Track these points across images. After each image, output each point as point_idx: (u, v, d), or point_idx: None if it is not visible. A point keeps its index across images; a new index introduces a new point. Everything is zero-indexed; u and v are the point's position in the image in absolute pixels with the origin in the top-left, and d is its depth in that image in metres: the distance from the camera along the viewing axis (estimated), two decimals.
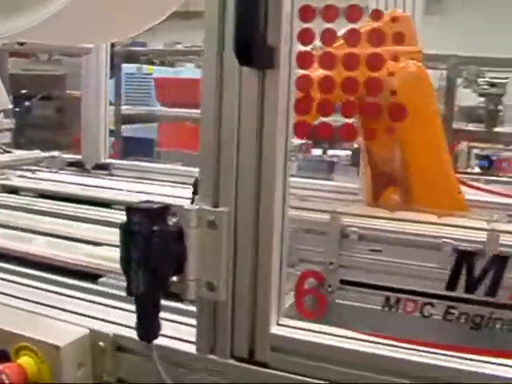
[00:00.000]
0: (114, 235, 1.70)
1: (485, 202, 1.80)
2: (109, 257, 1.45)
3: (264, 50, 0.81)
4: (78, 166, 2.49)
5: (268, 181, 0.87)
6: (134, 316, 0.99)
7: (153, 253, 0.89)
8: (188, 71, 6.53)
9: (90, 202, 2.06)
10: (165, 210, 0.92)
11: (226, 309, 0.92)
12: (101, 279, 1.32)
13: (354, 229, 1.46)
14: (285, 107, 0.86)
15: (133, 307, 1.00)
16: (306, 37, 1.14)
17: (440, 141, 1.63)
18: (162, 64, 5.55)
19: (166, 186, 2.32)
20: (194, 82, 5.90)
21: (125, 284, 1.24)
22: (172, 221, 0.93)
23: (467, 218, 1.48)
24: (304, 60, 1.15)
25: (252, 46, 0.81)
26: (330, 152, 6.47)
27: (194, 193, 1.75)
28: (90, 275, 1.39)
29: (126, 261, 0.91)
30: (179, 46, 6.35)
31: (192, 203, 1.77)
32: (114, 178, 2.42)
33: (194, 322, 0.98)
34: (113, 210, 1.98)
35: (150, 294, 0.92)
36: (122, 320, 1.05)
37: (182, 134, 5.71)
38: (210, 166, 0.91)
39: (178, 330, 1.01)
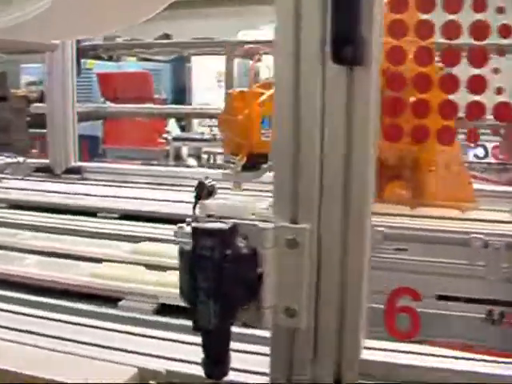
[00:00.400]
0: (111, 248, 1.57)
1: (488, 192, 1.76)
2: (116, 275, 1.31)
3: (359, 44, 0.70)
4: (46, 172, 2.28)
5: (358, 192, 0.76)
6: (185, 346, 0.86)
7: (226, 280, 0.76)
8: (131, 65, 6.29)
9: (71, 212, 1.88)
10: (234, 229, 0.79)
11: (306, 336, 0.81)
12: (120, 303, 1.18)
13: (380, 228, 1.38)
14: (375, 108, 0.75)
15: (180, 335, 0.87)
16: (397, 29, 1.03)
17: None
18: (110, 59, 5.28)
19: (146, 189, 2.17)
20: (139, 76, 5.70)
21: (150, 306, 1.11)
22: (241, 241, 0.80)
23: (490, 211, 1.43)
24: (396, 55, 1.04)
25: (347, 41, 0.69)
26: None
27: (198, 197, 1.62)
28: (102, 298, 1.24)
29: (191, 291, 0.78)
30: (119, 40, 6.08)
31: (194, 208, 1.65)
32: (89, 182, 2.24)
33: (259, 348, 0.87)
34: (101, 220, 1.82)
35: (222, 326, 0.79)
36: (172, 353, 0.92)
37: (129, 129, 5.49)
38: (288, 176, 0.78)
39: (246, 361, 0.88)
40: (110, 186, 2.17)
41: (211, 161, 7.19)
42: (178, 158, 6.49)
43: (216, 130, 6.92)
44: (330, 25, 0.72)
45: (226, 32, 5.08)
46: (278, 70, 0.77)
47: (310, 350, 0.81)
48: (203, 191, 1.56)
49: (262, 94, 1.42)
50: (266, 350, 0.91)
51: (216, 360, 0.81)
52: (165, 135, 5.96)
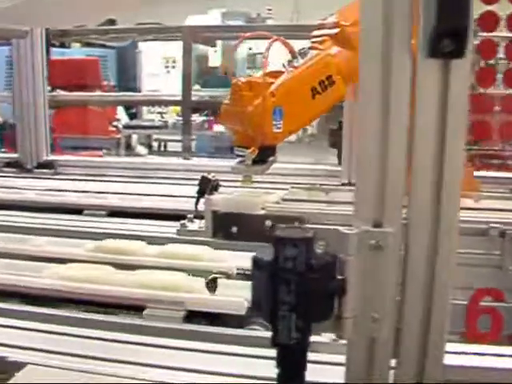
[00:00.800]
0: (74, 247, 1.42)
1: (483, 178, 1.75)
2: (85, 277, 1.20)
3: (462, 36, 0.64)
4: (16, 167, 2.11)
5: (448, 192, 0.71)
6: (242, 359, 0.79)
7: (310, 292, 0.70)
8: (74, 51, 5.99)
9: (53, 210, 1.75)
10: (314, 236, 0.72)
11: (386, 343, 0.75)
12: (145, 312, 1.08)
13: None
14: (467, 104, 0.70)
15: (230, 348, 0.80)
16: (488, 22, 0.96)
17: None
18: (62, 45, 5.01)
19: (128, 183, 2.05)
20: (88, 63, 5.43)
21: (176, 314, 1.04)
22: (319, 247, 0.73)
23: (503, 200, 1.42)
24: (487, 49, 0.98)
25: (449, 33, 0.63)
26: None
27: (201, 192, 1.53)
28: (120, 307, 1.14)
29: (271, 305, 0.71)
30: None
31: (197, 204, 1.56)
32: (63, 177, 2.09)
33: (331, 358, 0.81)
34: (88, 218, 1.70)
35: (303, 341, 0.72)
36: (232, 368, 0.85)
37: (79, 118, 5.24)
38: (373, 178, 0.72)
39: (316, 372, 0.82)
40: (89, 180, 2.03)
41: (162, 148, 7.03)
42: (129, 146, 6.29)
43: (167, 117, 6.76)
44: (425, 16, 0.66)
45: (175, 18, 4.92)
46: (364, 65, 0.70)
47: (389, 358, 0.76)
48: (207, 186, 1.47)
49: (272, 83, 1.34)
50: (335, 358, 0.86)
51: (294, 375, 0.74)
52: (115, 123, 5.76)
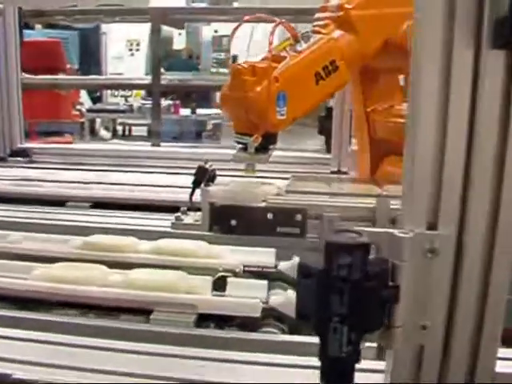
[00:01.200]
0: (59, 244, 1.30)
1: None
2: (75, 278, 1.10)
3: None
4: None
5: (510, 191, 0.64)
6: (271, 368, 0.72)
7: (364, 303, 0.63)
8: (35, 33, 5.72)
9: (31, 202, 1.62)
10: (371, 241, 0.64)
11: (435, 352, 0.69)
12: (153, 316, 0.99)
13: None
14: None
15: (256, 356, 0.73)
16: None
17: None
18: (25, 26, 4.74)
19: (110, 172, 1.93)
20: (50, 45, 5.19)
21: (186, 318, 0.97)
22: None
23: None
24: None
25: None
26: (200, 111, 6.18)
27: (197, 183, 1.43)
28: (119, 310, 1.05)
29: (322, 317, 0.63)
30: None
31: (191, 196, 1.46)
32: (40, 165, 1.95)
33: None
34: (71, 210, 1.58)
35: (354, 353, 0.65)
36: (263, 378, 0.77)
37: (42, 102, 5.01)
38: (428, 176, 0.65)
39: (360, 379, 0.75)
40: (67, 169, 1.91)
41: (126, 133, 6.83)
42: (93, 131, 6.09)
43: (131, 100, 6.56)
44: (492, 3, 0.59)
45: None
46: (422, 56, 0.62)
47: (437, 367, 0.70)
48: (203, 176, 1.38)
49: (275, 67, 1.26)
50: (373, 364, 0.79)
51: None
52: (79, 107, 5.55)
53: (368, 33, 1.37)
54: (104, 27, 6.22)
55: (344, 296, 0.62)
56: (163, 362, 0.85)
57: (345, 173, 1.89)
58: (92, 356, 0.85)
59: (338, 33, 1.35)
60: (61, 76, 4.27)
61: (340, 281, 0.62)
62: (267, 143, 1.32)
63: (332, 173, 1.88)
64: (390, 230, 0.65)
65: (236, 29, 1.38)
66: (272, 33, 1.23)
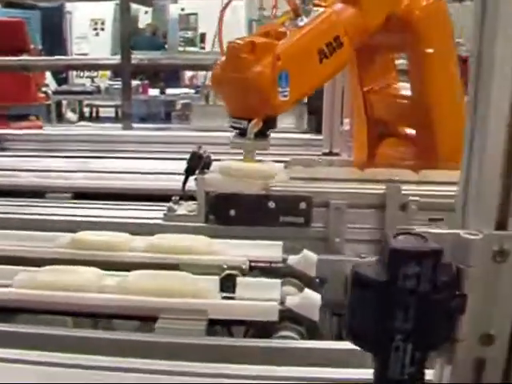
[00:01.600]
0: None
1: None
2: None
3: None
4: None
5: None
6: None
7: (431, 318, 0.53)
8: None
9: (6, 193, 1.48)
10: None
11: (498, 366, 0.61)
12: (157, 325, 0.87)
13: (415, 198, 1.20)
14: None
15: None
16: None
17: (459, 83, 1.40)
18: None
19: (89, 159, 1.79)
20: (12, 24, 4.90)
21: (196, 325, 0.86)
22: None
23: None
24: None
25: None
26: (169, 91, 5.99)
27: (190, 170, 1.31)
28: (117, 317, 0.93)
29: (382, 334, 0.53)
30: None
31: (184, 184, 1.34)
32: (13, 153, 1.79)
33: None
34: (52, 203, 1.44)
35: (419, 373, 0.55)
36: None
37: (5, 84, 4.75)
38: (497, 170, 0.55)
39: None
40: (40, 156, 1.75)
41: (94, 115, 6.59)
42: (60, 113, 5.85)
43: (98, 81, 6.31)
44: None
45: None
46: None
47: (499, 381, 0.61)
48: (198, 163, 1.26)
49: (275, 44, 1.14)
50: None
51: None
52: (44, 89, 5.29)
53: (371, 5, 1.26)
54: (69, 6, 5.92)
55: (410, 310, 0.52)
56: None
57: (337, 154, 1.79)
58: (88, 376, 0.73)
59: (339, 6, 1.24)
60: (25, 57, 4.03)
61: (406, 293, 0.52)
62: (266, 128, 1.20)
63: (324, 154, 1.78)
64: (456, 231, 0.56)
65: (225, 7, 1.26)
66: (273, 6, 1.11)
